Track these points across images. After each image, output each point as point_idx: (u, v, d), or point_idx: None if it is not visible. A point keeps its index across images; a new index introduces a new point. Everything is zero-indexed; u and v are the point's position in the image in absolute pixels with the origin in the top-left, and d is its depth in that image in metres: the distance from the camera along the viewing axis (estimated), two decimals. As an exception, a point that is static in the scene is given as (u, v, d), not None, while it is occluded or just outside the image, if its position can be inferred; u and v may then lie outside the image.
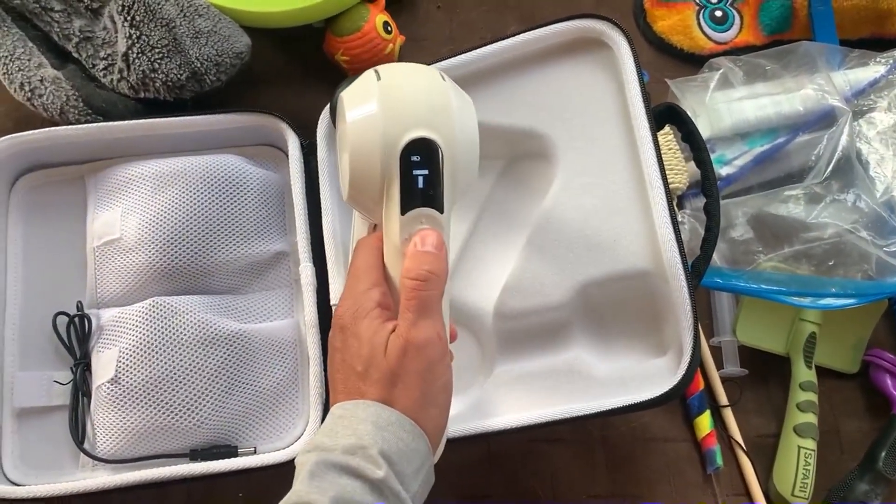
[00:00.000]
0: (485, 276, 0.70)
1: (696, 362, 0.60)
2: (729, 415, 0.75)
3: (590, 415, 0.61)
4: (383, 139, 0.49)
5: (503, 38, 0.68)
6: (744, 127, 0.80)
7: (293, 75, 0.85)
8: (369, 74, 0.52)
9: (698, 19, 0.88)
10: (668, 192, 0.62)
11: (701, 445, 0.74)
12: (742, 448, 0.73)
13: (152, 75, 0.74)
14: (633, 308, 0.67)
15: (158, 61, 0.73)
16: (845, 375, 0.77)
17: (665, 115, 0.65)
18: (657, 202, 0.62)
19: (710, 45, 0.87)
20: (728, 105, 0.80)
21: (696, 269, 0.62)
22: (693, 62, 0.86)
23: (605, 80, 0.68)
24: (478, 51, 0.68)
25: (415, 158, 0.49)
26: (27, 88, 0.76)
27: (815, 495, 0.72)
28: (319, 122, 0.72)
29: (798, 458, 0.71)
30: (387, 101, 0.50)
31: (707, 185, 0.63)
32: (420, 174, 0.49)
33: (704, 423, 0.74)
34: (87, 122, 0.75)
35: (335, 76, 0.82)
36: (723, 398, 0.75)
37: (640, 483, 0.73)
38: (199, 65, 0.74)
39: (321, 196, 0.70)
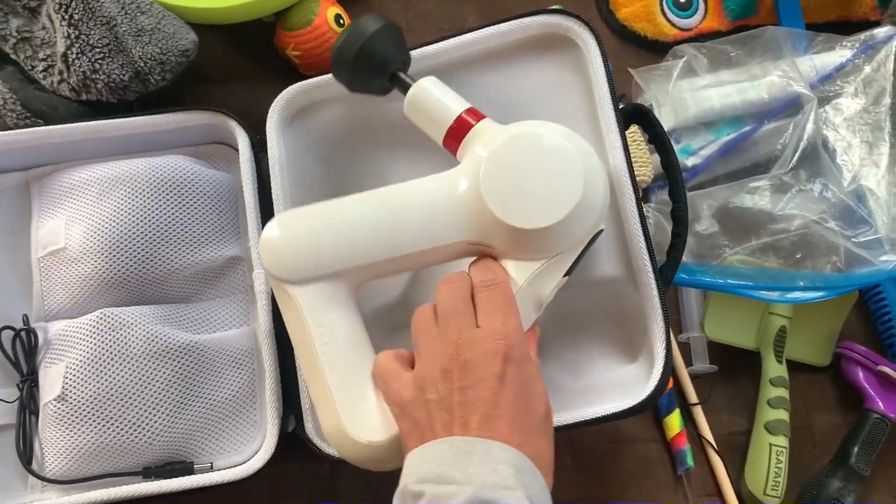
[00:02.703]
0: None
1: (669, 371, 0.61)
2: (699, 413, 0.76)
3: (562, 426, 0.62)
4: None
5: (465, 32, 0.69)
6: (709, 116, 0.81)
7: (244, 72, 0.86)
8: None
9: (662, 6, 0.89)
10: (639, 198, 0.63)
11: (671, 445, 0.75)
12: (713, 447, 0.75)
13: (93, 76, 0.74)
14: (602, 314, 0.68)
15: (99, 62, 0.73)
16: (817, 368, 0.79)
17: (632, 115, 0.66)
18: (627, 208, 0.63)
19: (674, 32, 0.88)
20: (693, 94, 0.81)
21: (665, 275, 0.63)
22: (657, 50, 0.87)
23: (572, 78, 0.68)
24: (438, 44, 0.69)
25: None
26: (-40, 91, 0.75)
27: (788, 493, 0.74)
28: (269, 113, 0.72)
29: (770, 457, 0.73)
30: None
31: (675, 190, 0.64)
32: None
33: (674, 422, 0.75)
34: (25, 125, 0.75)
35: (287, 71, 0.83)
36: (692, 396, 0.76)
37: (611, 486, 0.74)
38: (142, 64, 0.74)
39: (273, 196, 0.70)
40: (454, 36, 0.69)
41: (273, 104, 0.72)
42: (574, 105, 0.68)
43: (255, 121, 0.74)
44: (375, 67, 0.64)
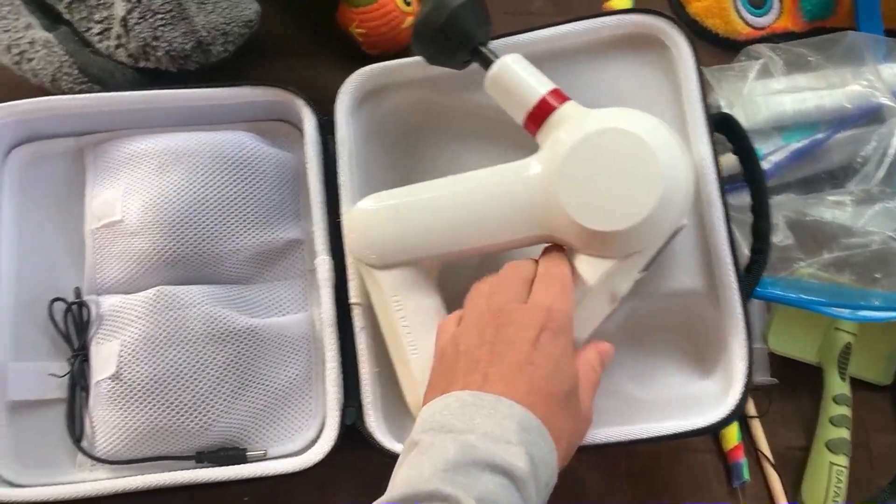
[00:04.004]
0: None
1: (748, 392, 0.61)
2: (757, 426, 0.76)
3: (634, 440, 0.62)
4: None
5: (552, 25, 0.68)
6: (780, 120, 0.80)
7: (303, 47, 0.84)
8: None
9: (735, 2, 0.88)
10: (727, 212, 0.63)
11: (727, 458, 0.75)
12: (770, 462, 0.75)
13: (154, 44, 0.73)
14: (675, 325, 0.68)
15: (161, 28, 0.72)
16: (876, 387, 0.78)
17: (719, 124, 0.65)
18: (715, 221, 0.63)
19: (746, 31, 0.87)
20: (766, 97, 0.80)
21: (744, 292, 0.63)
22: (727, 48, 0.86)
23: (660, 82, 0.68)
24: (522, 36, 0.68)
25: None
26: (14, 52, 0.74)
27: (845, 513, 0.74)
28: (339, 96, 0.71)
29: (829, 476, 0.73)
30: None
31: (759, 205, 0.64)
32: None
33: (732, 434, 0.75)
34: (81, 91, 0.74)
35: (348, 49, 0.81)
36: (751, 408, 0.76)
37: (663, 495, 0.74)
38: (205, 33, 0.73)
39: (340, 182, 0.69)
40: (541, 28, 0.68)
41: (343, 86, 0.71)
42: (659, 108, 0.67)
43: (313, 99, 0.73)
44: (459, 40, 0.63)
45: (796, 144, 0.79)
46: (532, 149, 0.62)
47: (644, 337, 0.69)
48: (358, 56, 0.80)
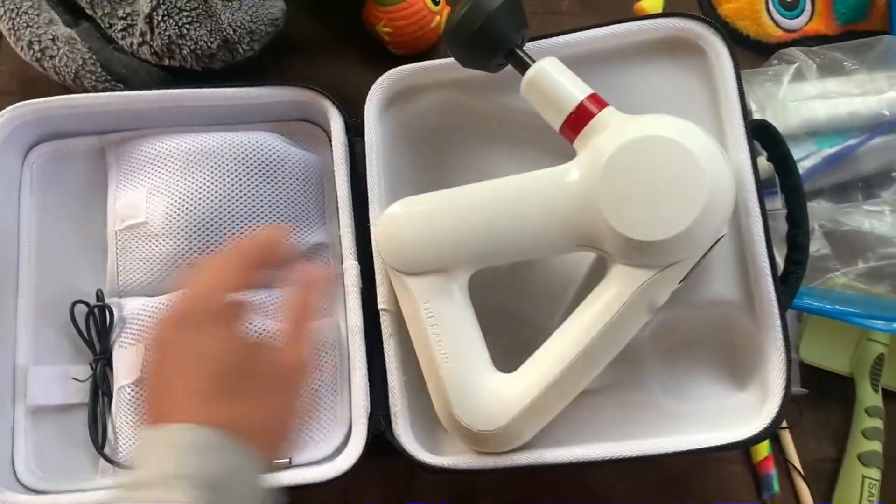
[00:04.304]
0: (550, 289, 0.70)
1: (787, 407, 0.60)
2: (787, 437, 0.75)
3: (669, 453, 0.61)
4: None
5: (586, 28, 0.67)
6: (814, 126, 0.79)
7: (328, 46, 0.83)
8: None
9: (767, 4, 0.86)
10: (766, 222, 0.62)
11: (757, 469, 0.74)
12: (801, 474, 0.74)
13: (179, 41, 0.72)
14: (709, 337, 0.67)
15: (187, 26, 0.71)
16: (907, 398, 0.78)
17: (756, 132, 0.64)
18: (754, 231, 0.62)
19: (778, 33, 0.86)
20: (798, 102, 0.79)
21: (781, 303, 0.61)
22: (758, 50, 0.85)
23: (696, 87, 0.67)
24: (555, 38, 0.67)
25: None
26: (37, 48, 0.73)
27: (876, 528, 0.73)
28: (369, 97, 0.70)
29: (862, 489, 0.72)
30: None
31: (797, 214, 0.63)
32: None
33: (762, 445, 0.74)
34: (104, 89, 0.74)
35: (375, 49, 0.81)
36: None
37: (692, 506, 0.74)
38: (231, 31, 0.72)
39: (369, 185, 0.68)
40: (574, 31, 0.67)
41: (373, 88, 0.70)
42: (695, 114, 0.66)
43: (341, 99, 0.72)
44: (496, 44, 0.62)
45: (828, 150, 0.78)
46: (566, 154, 0.61)
47: (677, 347, 0.68)
48: (384, 55, 0.80)
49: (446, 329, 0.61)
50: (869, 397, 0.74)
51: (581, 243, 0.59)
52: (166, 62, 0.74)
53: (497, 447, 0.62)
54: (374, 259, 0.67)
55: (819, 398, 0.76)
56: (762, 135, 0.65)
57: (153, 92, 0.71)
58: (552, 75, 0.60)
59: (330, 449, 0.67)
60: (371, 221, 0.67)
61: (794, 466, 0.74)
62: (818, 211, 0.74)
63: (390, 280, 0.65)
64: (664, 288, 0.58)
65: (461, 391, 0.61)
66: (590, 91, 0.60)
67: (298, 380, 0.50)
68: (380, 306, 0.66)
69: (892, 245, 0.71)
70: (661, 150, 0.55)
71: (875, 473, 0.72)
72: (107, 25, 0.75)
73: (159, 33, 0.72)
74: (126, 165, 0.71)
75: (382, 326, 0.66)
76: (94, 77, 0.73)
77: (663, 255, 0.56)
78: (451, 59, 0.67)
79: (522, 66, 0.62)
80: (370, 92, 0.70)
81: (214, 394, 0.44)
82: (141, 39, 0.73)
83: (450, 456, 0.64)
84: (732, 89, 0.64)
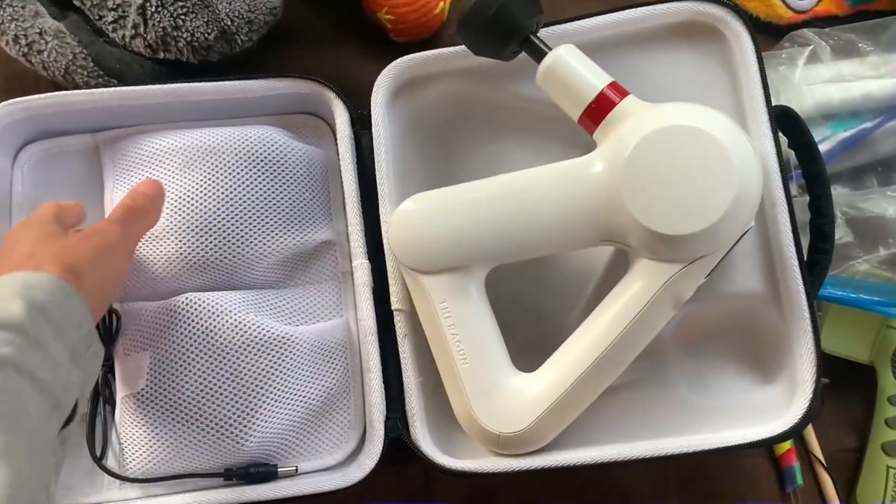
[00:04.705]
0: (568, 282, 0.68)
1: (818, 398, 0.59)
2: (809, 429, 0.74)
3: (695, 452, 0.60)
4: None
5: (600, 13, 0.65)
6: (828, 109, 0.78)
7: (328, 36, 0.81)
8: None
9: (777, -16, 0.85)
10: (793, 213, 0.60)
11: (780, 462, 0.73)
12: (823, 466, 0.72)
13: (175, 33, 0.69)
14: (734, 330, 0.66)
15: (182, 17, 0.69)
16: (928, 385, 0.76)
17: (777, 119, 0.63)
18: (780, 222, 0.60)
19: (788, 14, 0.84)
20: (811, 85, 0.77)
21: (808, 294, 0.60)
22: (768, 32, 0.83)
23: (715, 73, 0.65)
24: (569, 24, 0.65)
25: None
26: (23, 42, 0.71)
27: (901, 518, 0.72)
28: (375, 88, 0.67)
29: (887, 479, 0.71)
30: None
31: (823, 204, 0.61)
32: None
33: (784, 437, 0.73)
34: (97, 84, 0.71)
35: (376, 38, 0.78)
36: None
37: (714, 500, 0.72)
38: (229, 22, 0.70)
39: (378, 180, 0.66)
40: (591, 16, 0.65)
41: (380, 77, 0.67)
42: (714, 100, 0.64)
43: (342, 91, 0.70)
44: (510, 31, 0.60)
45: (844, 134, 0.77)
46: (582, 144, 0.59)
47: (701, 341, 0.67)
48: (385, 44, 0.77)
49: (464, 329, 0.60)
50: (891, 385, 0.73)
51: (604, 238, 0.58)
52: (161, 55, 0.71)
53: (519, 449, 0.61)
54: (387, 257, 0.65)
55: (837, 388, 0.75)
56: (784, 121, 0.63)
57: (148, 87, 0.68)
58: (570, 63, 0.58)
59: (343, 454, 0.66)
60: (382, 218, 0.65)
61: (816, 458, 0.73)
62: (838, 197, 0.72)
63: (404, 279, 0.63)
64: (690, 282, 0.56)
65: (482, 393, 0.60)
66: (610, 79, 0.58)
67: (105, 232, 0.56)
68: (394, 306, 0.64)
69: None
70: (688, 140, 0.54)
71: (899, 463, 0.71)
72: (96, 17, 0.72)
73: (153, 25, 0.69)
74: (122, 164, 0.69)
75: (397, 327, 0.64)
76: (85, 72, 0.71)
77: (690, 249, 0.55)
78: (461, 48, 0.65)
79: (538, 54, 0.60)
80: (377, 82, 0.67)
81: (37, 249, 0.52)
82: (134, 32, 0.70)
83: (468, 459, 0.62)
84: (755, 75, 0.62)
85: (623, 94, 0.57)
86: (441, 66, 0.68)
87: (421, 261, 0.60)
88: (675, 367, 0.66)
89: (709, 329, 0.66)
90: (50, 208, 0.57)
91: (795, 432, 0.60)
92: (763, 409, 0.62)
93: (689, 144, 0.53)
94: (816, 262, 0.62)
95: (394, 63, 0.67)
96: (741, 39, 0.63)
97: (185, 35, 0.69)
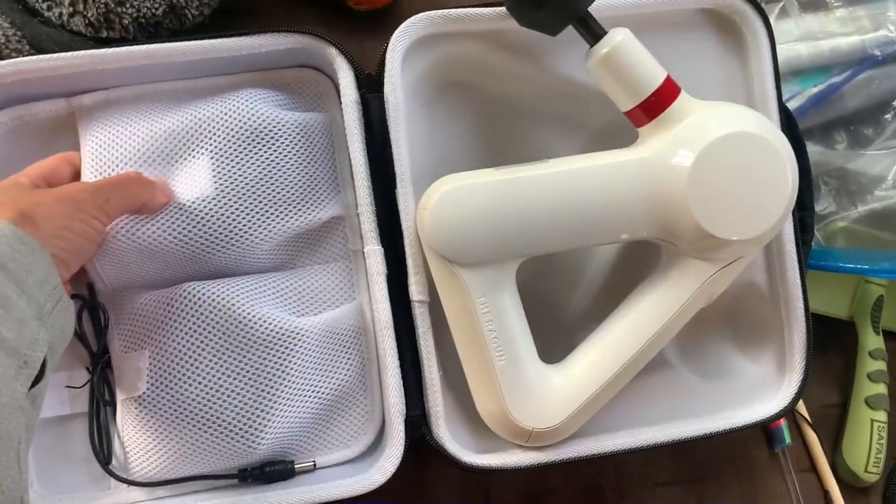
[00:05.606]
0: (566, 268, 0.68)
1: (806, 384, 0.65)
2: (794, 388, 0.75)
3: (703, 435, 0.63)
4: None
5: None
6: (796, 64, 0.78)
7: (283, 6, 0.74)
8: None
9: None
10: (795, 213, 0.63)
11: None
12: (809, 423, 0.74)
13: (119, 9, 0.64)
14: (729, 313, 0.68)
15: (126, -8, 0.63)
16: (908, 337, 0.78)
17: None
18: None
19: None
20: (783, 44, 0.77)
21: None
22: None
23: (730, 65, 0.65)
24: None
25: None
26: (-55, 25, 0.64)
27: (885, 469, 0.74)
28: (391, 46, 0.60)
29: (871, 433, 0.73)
30: None
31: (805, 196, 0.65)
32: None
33: (771, 398, 0.74)
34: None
35: (336, 7, 0.73)
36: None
37: (706, 466, 0.73)
38: (178, -6, 0.64)
39: (395, 155, 0.60)
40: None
41: (397, 35, 0.60)
42: (727, 92, 0.65)
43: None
44: (570, 8, 0.55)
45: (813, 89, 0.78)
46: (610, 121, 0.59)
47: (699, 326, 0.65)
48: (346, 14, 0.72)
49: (502, 324, 0.58)
50: (872, 340, 0.75)
51: (654, 236, 0.57)
52: (104, 34, 0.65)
53: (547, 442, 0.60)
54: (407, 243, 0.60)
55: (820, 345, 0.76)
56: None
57: (125, 49, 0.60)
58: (631, 53, 0.55)
59: (363, 446, 0.64)
60: (399, 198, 0.60)
61: (802, 416, 0.74)
62: (814, 156, 0.73)
63: (427, 268, 0.59)
64: (727, 280, 0.58)
65: (518, 390, 0.58)
66: (665, 72, 0.56)
67: (73, 188, 0.53)
68: (416, 298, 0.60)
69: (889, 187, 0.71)
70: (750, 147, 0.54)
71: (882, 416, 0.73)
72: (27, -5, 0.65)
73: (94, 1, 0.63)
74: (101, 138, 0.61)
75: (418, 320, 0.60)
76: (20, 56, 0.64)
77: (738, 250, 0.56)
78: (491, 9, 0.61)
79: (593, 37, 0.56)
80: (392, 40, 0.60)
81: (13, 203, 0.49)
82: (72, 10, 0.64)
83: (489, 454, 0.61)
84: (769, 72, 0.64)
85: (676, 89, 0.56)
86: (464, 27, 0.62)
87: (460, 252, 0.56)
88: (676, 351, 0.68)
89: (706, 314, 0.65)
90: (30, 168, 0.55)
91: (783, 415, 0.65)
92: (757, 389, 0.67)
93: (751, 151, 0.54)
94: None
95: (413, 18, 0.60)
96: (757, 34, 0.64)
97: (130, 11, 0.64)
